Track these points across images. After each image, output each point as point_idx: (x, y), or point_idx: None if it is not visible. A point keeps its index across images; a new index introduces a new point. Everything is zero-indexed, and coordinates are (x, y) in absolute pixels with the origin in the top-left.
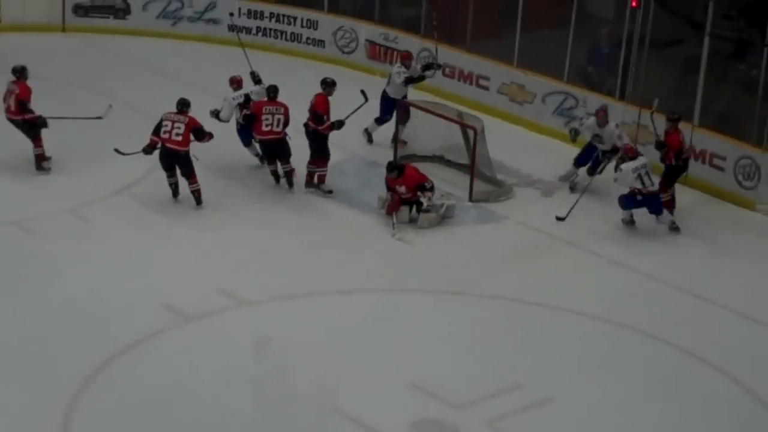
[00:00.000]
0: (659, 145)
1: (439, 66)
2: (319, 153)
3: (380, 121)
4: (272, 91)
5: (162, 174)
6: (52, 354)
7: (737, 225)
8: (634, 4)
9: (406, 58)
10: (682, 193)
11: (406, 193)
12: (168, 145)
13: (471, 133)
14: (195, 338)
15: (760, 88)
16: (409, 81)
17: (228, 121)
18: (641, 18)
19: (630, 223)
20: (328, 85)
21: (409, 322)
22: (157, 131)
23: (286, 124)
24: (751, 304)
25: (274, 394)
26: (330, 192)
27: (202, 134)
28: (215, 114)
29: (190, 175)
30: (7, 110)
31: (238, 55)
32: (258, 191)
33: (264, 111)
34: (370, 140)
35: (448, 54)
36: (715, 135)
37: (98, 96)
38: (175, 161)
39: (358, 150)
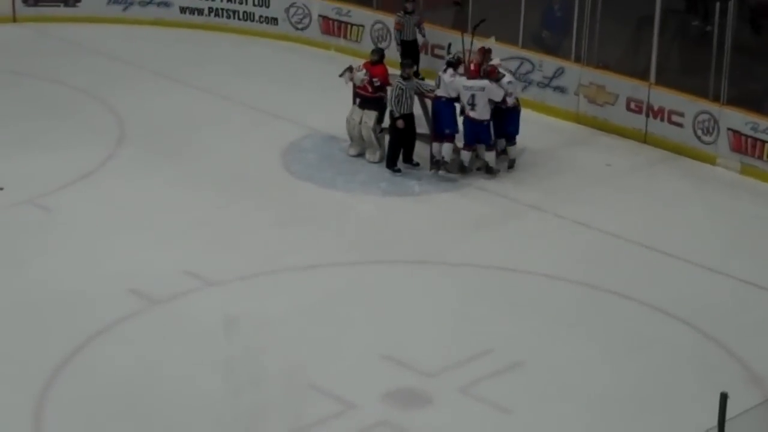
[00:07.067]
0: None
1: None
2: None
3: None
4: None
5: (119, 159)
6: (20, 345)
7: (699, 180)
8: None
9: None
10: (643, 151)
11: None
12: None
13: (428, 101)
14: (163, 321)
15: (714, 43)
16: None
17: None
18: None
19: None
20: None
21: (378, 295)
22: None
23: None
24: (716, 259)
25: (246, 374)
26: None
27: None
28: None
29: None
30: None
31: (190, 37)
32: (219, 171)
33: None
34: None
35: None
36: (672, 92)
37: (55, 85)
38: None
39: (316, 125)
